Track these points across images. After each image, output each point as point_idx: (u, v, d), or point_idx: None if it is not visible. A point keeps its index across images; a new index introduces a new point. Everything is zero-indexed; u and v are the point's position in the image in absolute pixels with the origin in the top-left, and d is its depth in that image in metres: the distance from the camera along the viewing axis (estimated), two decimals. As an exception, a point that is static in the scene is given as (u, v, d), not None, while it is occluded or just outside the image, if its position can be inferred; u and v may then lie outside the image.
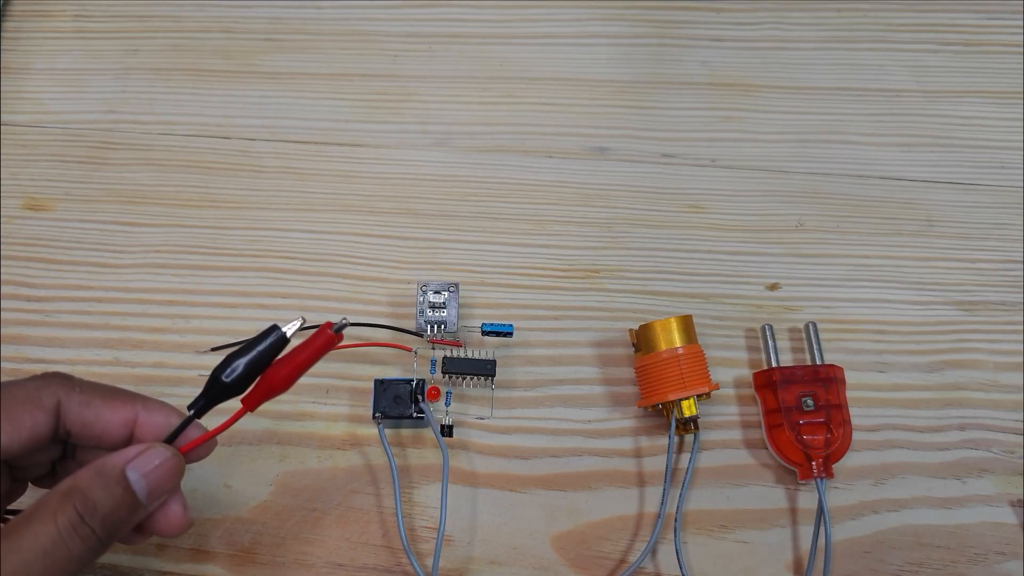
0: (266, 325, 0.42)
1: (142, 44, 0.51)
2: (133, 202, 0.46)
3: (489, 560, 0.39)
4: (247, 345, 0.30)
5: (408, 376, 0.40)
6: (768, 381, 0.40)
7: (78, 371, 0.41)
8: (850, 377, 0.41)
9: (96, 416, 0.30)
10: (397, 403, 0.39)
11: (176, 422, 0.31)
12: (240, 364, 0.30)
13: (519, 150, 0.48)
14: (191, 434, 0.31)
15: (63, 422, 0.30)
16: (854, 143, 0.48)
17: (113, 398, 0.31)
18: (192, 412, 0.30)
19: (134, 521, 0.29)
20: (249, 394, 0.30)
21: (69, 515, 0.27)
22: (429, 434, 0.41)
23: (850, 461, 0.40)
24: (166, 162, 0.47)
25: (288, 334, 0.30)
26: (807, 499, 0.40)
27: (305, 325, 0.31)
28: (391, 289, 0.44)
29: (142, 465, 0.29)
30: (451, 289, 0.41)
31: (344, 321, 0.30)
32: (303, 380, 0.41)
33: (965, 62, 0.50)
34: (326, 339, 0.30)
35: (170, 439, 0.30)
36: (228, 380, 0.29)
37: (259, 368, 0.30)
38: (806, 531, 0.39)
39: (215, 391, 0.30)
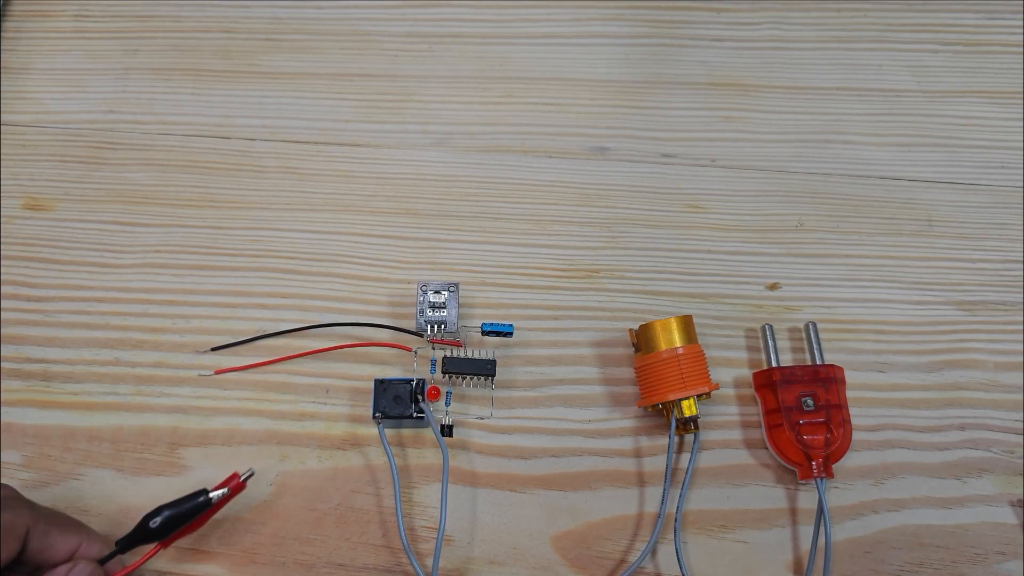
0: (266, 325, 0.43)
1: (142, 44, 0.51)
2: (133, 202, 0.46)
3: (489, 560, 0.39)
4: (178, 501, 0.35)
5: (408, 376, 0.40)
6: (768, 381, 0.40)
7: (78, 371, 0.42)
8: (850, 377, 0.41)
9: (51, 543, 0.34)
10: (397, 403, 0.39)
11: (106, 552, 0.35)
12: (168, 518, 0.34)
13: (519, 150, 0.48)
14: (113, 568, 0.35)
15: (26, 547, 0.34)
16: (854, 143, 0.48)
17: (66, 528, 0.35)
18: (117, 548, 0.35)
19: None
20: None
21: None
22: (429, 434, 0.41)
23: (850, 461, 0.40)
24: (166, 162, 0.47)
25: (213, 500, 0.35)
26: (807, 499, 0.40)
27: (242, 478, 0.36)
28: (391, 289, 0.44)
29: None
30: (451, 289, 0.41)
31: (249, 472, 0.36)
32: (303, 380, 0.41)
33: (965, 62, 0.50)
34: (233, 488, 0.35)
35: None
36: (154, 527, 0.34)
37: (183, 522, 0.35)
38: (806, 531, 0.39)
39: (141, 535, 0.34)
